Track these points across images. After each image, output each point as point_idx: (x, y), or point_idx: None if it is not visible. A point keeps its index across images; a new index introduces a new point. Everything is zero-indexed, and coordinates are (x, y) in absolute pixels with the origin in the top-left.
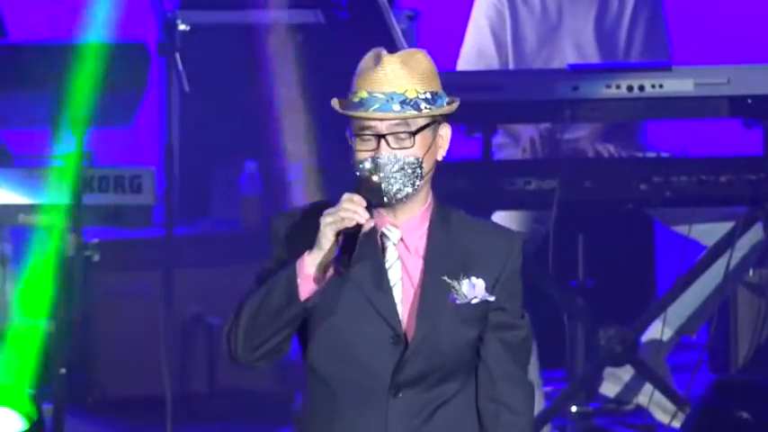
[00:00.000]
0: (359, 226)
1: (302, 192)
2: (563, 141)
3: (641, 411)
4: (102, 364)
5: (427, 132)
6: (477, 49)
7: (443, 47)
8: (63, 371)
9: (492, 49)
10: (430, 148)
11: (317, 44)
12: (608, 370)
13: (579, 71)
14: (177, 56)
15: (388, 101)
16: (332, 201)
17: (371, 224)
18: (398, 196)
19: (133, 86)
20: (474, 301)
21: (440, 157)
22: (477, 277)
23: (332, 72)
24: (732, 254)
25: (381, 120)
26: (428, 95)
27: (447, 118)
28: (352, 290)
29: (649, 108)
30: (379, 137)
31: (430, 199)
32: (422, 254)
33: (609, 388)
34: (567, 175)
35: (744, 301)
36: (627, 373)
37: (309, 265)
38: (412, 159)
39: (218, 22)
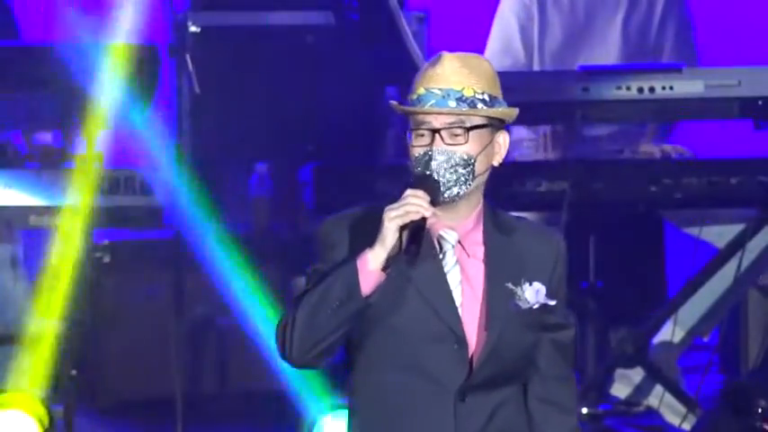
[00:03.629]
0: (424, 219)
1: (313, 193)
2: (588, 140)
3: (652, 413)
4: (112, 366)
5: (483, 133)
6: (503, 45)
7: (453, 49)
8: (73, 372)
9: (519, 46)
10: (485, 149)
11: (327, 46)
12: (619, 371)
13: (590, 73)
14: (188, 57)
15: (444, 97)
16: (386, 203)
17: (436, 218)
18: (450, 193)
19: (144, 88)
20: (536, 307)
21: (496, 163)
22: (535, 280)
23: (343, 73)
24: (743, 256)
25: (437, 114)
26: (486, 97)
27: (505, 126)
28: (412, 294)
29: (660, 110)
30: (434, 132)
31: (482, 203)
32: (480, 257)
33: (620, 389)
34: (577, 177)
35: (755, 303)
36: (638, 374)
37: (372, 261)
38: (464, 156)
39: (228, 23)
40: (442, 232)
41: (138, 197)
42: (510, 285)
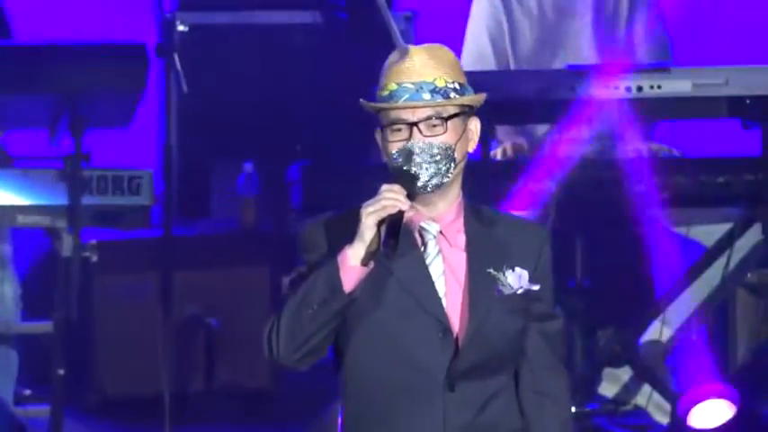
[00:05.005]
0: (401, 213)
1: (301, 193)
2: (563, 141)
3: (640, 412)
4: (100, 365)
5: (458, 121)
6: (476, 58)
7: None
8: (61, 371)
9: (492, 59)
10: (461, 137)
11: (316, 45)
12: (607, 370)
13: (578, 72)
14: (176, 57)
15: (417, 90)
16: (361, 207)
17: (413, 212)
18: (433, 182)
19: (131, 87)
20: (519, 292)
21: (471, 149)
22: (517, 266)
23: (331, 72)
24: (731, 255)
25: (413, 108)
26: (456, 85)
27: (475, 111)
28: (396, 287)
29: (648, 109)
30: (411, 126)
31: (461, 194)
32: (462, 247)
33: (607, 388)
34: (564, 176)
35: (743, 302)
36: (626, 373)
37: (352, 257)
38: (445, 145)
39: (216, 23)
40: (423, 224)
41: (125, 197)
42: (492, 271)
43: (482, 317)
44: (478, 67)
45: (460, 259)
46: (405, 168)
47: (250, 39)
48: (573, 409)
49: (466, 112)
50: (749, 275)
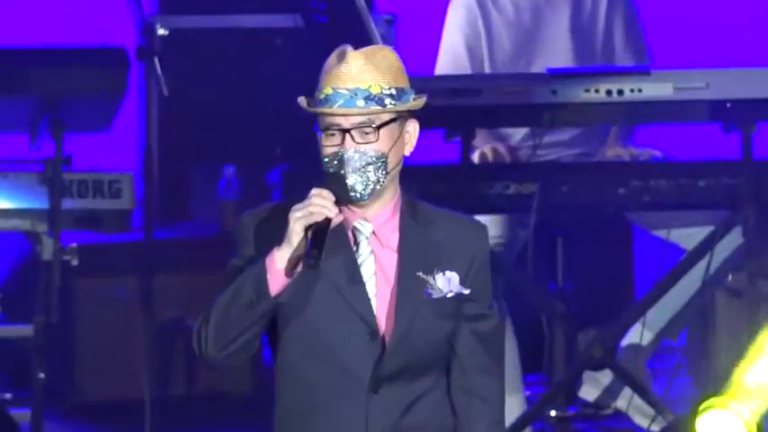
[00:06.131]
0: (328, 220)
1: (281, 196)
2: (542, 146)
3: (620, 415)
4: (80, 369)
5: (393, 127)
6: (451, 64)
7: (422, 50)
8: (42, 375)
9: (467, 64)
10: (396, 142)
11: (296, 48)
12: (587, 374)
13: (558, 75)
14: (156, 60)
15: (351, 97)
16: (301, 198)
17: (341, 218)
18: (366, 193)
19: (112, 91)
20: (449, 295)
21: (407, 153)
22: (450, 270)
23: (311, 76)
24: (711, 258)
25: (345, 115)
26: (393, 91)
27: (415, 114)
28: (326, 286)
29: (628, 112)
30: (344, 132)
31: (398, 193)
32: (395, 248)
33: (588, 392)
34: (546, 179)
35: (723, 305)
36: (606, 377)
37: (279, 261)
38: (377, 154)
39: (197, 26)
40: (356, 223)
41: (106, 200)
42: (421, 274)
43: (409, 320)
44: (452, 72)
45: (392, 260)
46: (338, 175)
47: (230, 42)
48: (553, 413)
49: (402, 116)
50: (729, 279)
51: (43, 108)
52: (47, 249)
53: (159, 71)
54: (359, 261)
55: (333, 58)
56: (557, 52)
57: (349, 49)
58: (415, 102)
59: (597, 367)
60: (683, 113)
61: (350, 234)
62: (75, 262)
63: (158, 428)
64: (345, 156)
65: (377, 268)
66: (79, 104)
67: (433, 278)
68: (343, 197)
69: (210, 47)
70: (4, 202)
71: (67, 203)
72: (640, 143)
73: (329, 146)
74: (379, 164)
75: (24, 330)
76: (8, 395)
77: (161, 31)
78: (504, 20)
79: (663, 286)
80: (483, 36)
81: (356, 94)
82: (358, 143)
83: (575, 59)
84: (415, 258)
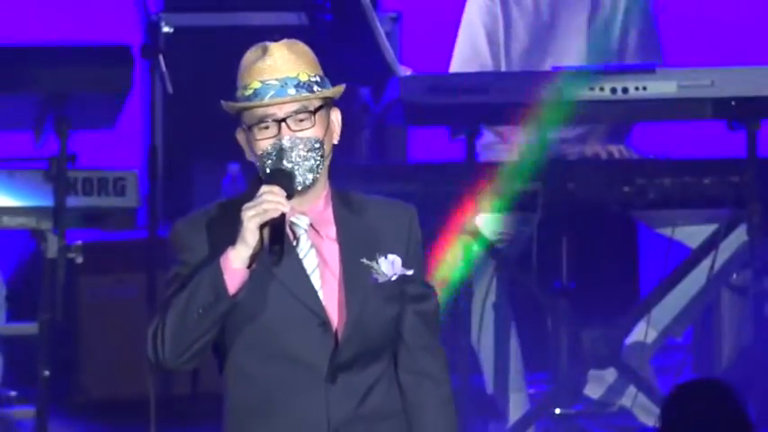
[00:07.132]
0: (283, 216)
1: None
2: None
3: (625, 413)
4: (85, 367)
5: (323, 114)
6: (471, 53)
7: (427, 49)
8: (46, 373)
9: (486, 54)
10: (327, 129)
11: None
12: (592, 372)
13: (563, 73)
14: (161, 58)
15: (282, 86)
16: (235, 201)
17: (293, 213)
18: (309, 178)
19: (117, 89)
20: (394, 278)
21: (335, 141)
22: (391, 253)
23: None
24: (716, 256)
25: (281, 104)
26: (318, 78)
27: (334, 102)
28: (271, 284)
29: (633, 110)
30: (280, 122)
31: (328, 184)
32: (334, 238)
33: (593, 390)
34: (550, 177)
35: (728, 303)
36: (611, 375)
37: (235, 260)
38: (314, 139)
39: (201, 24)
40: (293, 219)
41: (111, 198)
42: (365, 261)
43: (360, 307)
44: (472, 62)
45: (333, 251)
46: (281, 168)
47: (235, 40)
48: (558, 411)
49: (329, 104)
50: (734, 277)
51: (48, 106)
52: (52, 247)
53: (164, 69)
54: (300, 255)
55: (251, 54)
56: (571, 50)
57: (268, 43)
58: (337, 88)
59: (602, 365)
60: (688, 111)
61: (288, 230)
62: (79, 260)
63: (163, 426)
64: (285, 144)
65: (319, 260)
66: (84, 102)
67: (377, 263)
68: (291, 191)
69: (215, 45)
70: (9, 200)
71: (72, 201)
72: (645, 141)
73: (264, 138)
74: (318, 149)
75: (29, 328)
76: (13, 393)
77: (166, 29)
78: (523, 12)
79: (667, 284)
80: (501, 27)
81: (286, 84)
82: (294, 130)
83: (588, 58)
84: (355, 246)
